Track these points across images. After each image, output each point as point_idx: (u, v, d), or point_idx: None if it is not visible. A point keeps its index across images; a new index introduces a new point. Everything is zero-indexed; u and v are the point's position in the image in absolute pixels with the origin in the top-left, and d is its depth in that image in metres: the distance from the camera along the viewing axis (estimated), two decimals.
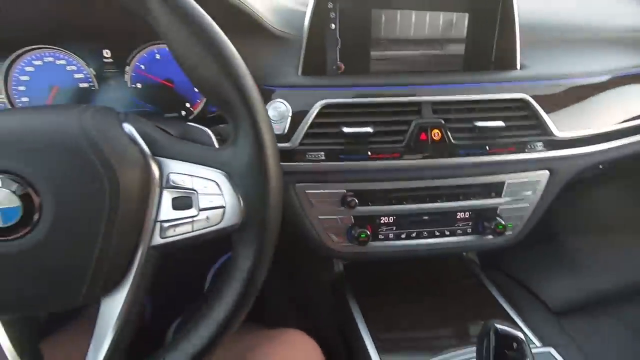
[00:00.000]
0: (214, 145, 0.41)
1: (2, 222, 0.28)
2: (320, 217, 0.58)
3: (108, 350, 0.33)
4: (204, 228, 0.34)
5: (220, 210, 0.34)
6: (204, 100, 0.63)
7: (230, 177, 0.34)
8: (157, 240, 0.34)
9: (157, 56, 0.60)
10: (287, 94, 0.56)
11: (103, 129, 0.32)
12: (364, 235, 0.57)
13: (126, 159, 0.32)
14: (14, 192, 0.28)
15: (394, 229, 0.60)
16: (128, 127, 0.34)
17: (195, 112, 0.63)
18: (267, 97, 0.56)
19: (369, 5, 0.58)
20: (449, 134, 0.56)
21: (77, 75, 0.58)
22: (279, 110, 0.55)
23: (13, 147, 0.29)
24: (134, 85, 0.60)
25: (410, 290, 0.70)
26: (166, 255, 0.36)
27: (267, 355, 0.50)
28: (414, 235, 0.61)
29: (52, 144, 0.30)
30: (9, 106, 0.56)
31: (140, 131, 0.34)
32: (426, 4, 0.59)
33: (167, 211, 0.34)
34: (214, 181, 0.34)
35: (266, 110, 0.34)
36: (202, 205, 0.34)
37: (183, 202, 0.34)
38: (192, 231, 0.34)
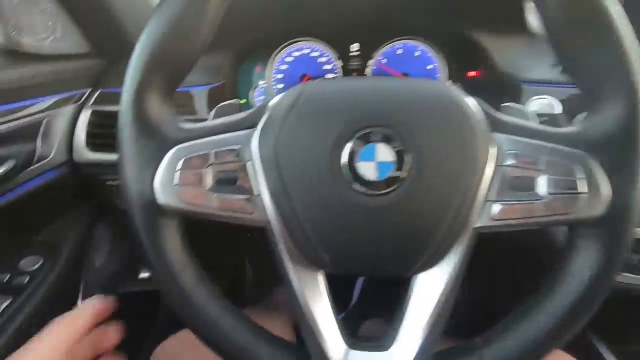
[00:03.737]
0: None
1: (378, 175, 0.28)
2: None
3: (426, 333, 0.30)
4: (550, 215, 0.30)
5: (578, 196, 0.29)
6: None
7: (593, 156, 0.29)
8: (486, 221, 0.30)
9: (399, 51, 0.61)
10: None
11: (461, 95, 0.30)
12: None
13: (480, 130, 0.30)
14: (393, 149, 0.28)
15: None
16: (471, 99, 0.32)
17: None
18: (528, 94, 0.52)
19: None
20: None
21: (325, 67, 0.62)
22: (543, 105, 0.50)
23: (390, 103, 0.29)
24: None
25: None
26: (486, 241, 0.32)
27: None
28: None
29: (426, 103, 0.29)
30: (269, 91, 0.62)
31: (481, 103, 0.32)
32: None
33: (504, 191, 0.30)
34: (570, 161, 0.29)
35: None
36: (552, 189, 0.29)
37: (526, 182, 0.30)
38: (534, 217, 0.30)
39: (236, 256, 0.96)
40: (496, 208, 0.30)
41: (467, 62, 0.60)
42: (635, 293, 0.49)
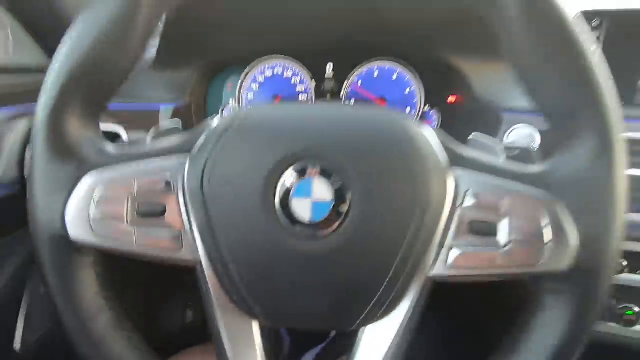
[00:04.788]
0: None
1: (313, 215, 0.25)
2: None
3: None
4: (510, 267, 0.26)
5: (542, 246, 0.25)
6: None
7: (561, 200, 0.25)
8: (441, 270, 0.27)
9: (376, 74, 0.58)
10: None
11: (414, 127, 0.27)
12: (630, 313, 0.42)
13: (434, 166, 0.26)
14: (331, 186, 0.25)
15: None
16: (428, 131, 0.29)
17: None
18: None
19: None
20: None
21: (299, 88, 0.59)
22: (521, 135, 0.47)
23: (330, 134, 0.26)
24: (347, 102, 0.59)
25: None
26: (442, 291, 0.28)
27: None
28: None
29: (371, 135, 0.26)
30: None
31: (440, 135, 0.29)
32: None
33: (461, 236, 0.26)
34: (535, 205, 0.26)
35: (621, 120, 0.25)
36: (514, 236, 0.26)
37: (485, 227, 0.26)
38: (491, 267, 0.26)
39: (172, 297, 0.88)
40: (453, 254, 0.26)
41: (446, 87, 0.58)
42: (619, 344, 0.45)
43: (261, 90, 0.59)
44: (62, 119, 0.27)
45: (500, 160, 0.29)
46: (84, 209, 0.26)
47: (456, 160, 0.27)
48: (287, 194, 0.25)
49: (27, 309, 0.55)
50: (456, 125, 0.57)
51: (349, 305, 0.26)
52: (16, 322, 0.54)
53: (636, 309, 0.42)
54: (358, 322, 0.27)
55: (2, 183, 0.51)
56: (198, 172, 0.26)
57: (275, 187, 0.25)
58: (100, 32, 0.26)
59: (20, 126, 0.53)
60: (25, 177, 0.53)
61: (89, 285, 0.28)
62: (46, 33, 0.52)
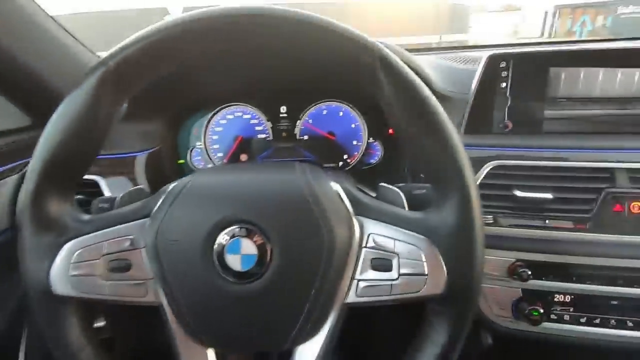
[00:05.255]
0: (405, 207, 0.41)
1: (242, 266, 0.32)
2: (482, 284, 0.53)
3: None
4: (402, 294, 0.34)
5: (422, 277, 0.33)
6: (361, 153, 0.66)
7: (435, 243, 0.33)
8: (352, 298, 0.34)
9: (324, 112, 0.66)
10: None
11: (320, 185, 0.35)
12: (536, 314, 0.50)
13: (338, 215, 0.34)
14: (254, 242, 0.32)
15: (571, 310, 0.52)
16: (335, 185, 0.36)
17: (352, 163, 0.66)
18: None
19: (548, 64, 0.55)
20: None
21: (257, 128, 0.67)
22: None
23: (253, 201, 0.34)
24: (301, 137, 0.66)
25: None
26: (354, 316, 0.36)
27: None
28: (597, 322, 0.51)
29: (284, 199, 0.34)
30: (205, 152, 0.66)
31: (345, 190, 0.36)
32: (625, 61, 0.53)
33: (365, 271, 0.34)
34: (417, 246, 0.33)
35: (476, 182, 0.33)
36: (402, 270, 0.33)
37: (383, 263, 0.34)
38: (389, 295, 0.34)
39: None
40: (361, 285, 0.34)
41: (385, 122, 0.65)
42: (534, 339, 0.53)
43: (224, 132, 0.67)
44: (42, 199, 0.34)
45: (395, 209, 0.37)
46: (64, 269, 0.34)
47: (360, 210, 0.35)
48: (221, 250, 0.32)
49: (26, 349, 0.62)
50: (398, 154, 0.64)
51: (279, 330, 0.34)
52: (17, 352, 0.60)
53: (541, 310, 0.50)
54: (290, 342, 0.34)
55: None
56: (154, 231, 0.33)
57: (213, 246, 0.32)
58: (66, 128, 0.33)
59: (11, 181, 0.60)
60: (17, 225, 0.60)
61: (72, 328, 0.35)
62: (25, 96, 0.58)
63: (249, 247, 0.32)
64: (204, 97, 0.65)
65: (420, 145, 0.34)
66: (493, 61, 0.57)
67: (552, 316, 0.52)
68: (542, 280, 0.51)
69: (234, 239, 0.32)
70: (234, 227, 0.33)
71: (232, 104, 0.66)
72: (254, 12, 0.32)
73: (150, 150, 0.62)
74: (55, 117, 0.34)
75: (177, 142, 0.68)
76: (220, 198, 0.34)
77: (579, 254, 0.50)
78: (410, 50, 0.67)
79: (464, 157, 0.33)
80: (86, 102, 0.33)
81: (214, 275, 0.32)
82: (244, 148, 0.67)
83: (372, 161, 0.67)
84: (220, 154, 0.67)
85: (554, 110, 0.57)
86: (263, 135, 0.67)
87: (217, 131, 0.67)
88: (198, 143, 0.67)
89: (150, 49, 0.33)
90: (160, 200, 0.35)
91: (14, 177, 0.61)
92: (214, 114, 0.66)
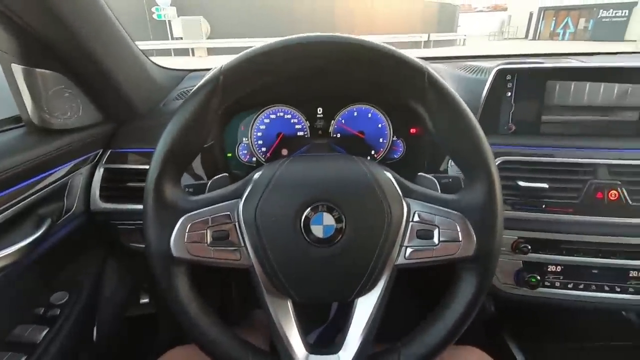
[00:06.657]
0: (438, 192, 0.52)
1: (324, 234, 0.43)
2: None
3: (362, 340, 0.45)
4: (442, 256, 0.45)
5: (457, 243, 0.44)
6: (386, 149, 0.77)
7: (467, 217, 0.44)
8: (402, 260, 0.45)
9: (355, 113, 0.76)
10: None
11: (378, 173, 0.45)
12: (534, 280, 0.62)
13: (393, 196, 0.44)
14: (333, 216, 0.43)
15: (561, 277, 0.64)
16: (388, 173, 0.47)
17: (378, 158, 0.77)
18: None
19: (546, 78, 0.67)
20: (626, 195, 0.60)
21: (297, 126, 0.77)
22: None
23: (331, 185, 0.44)
24: (335, 135, 0.77)
25: (573, 342, 0.71)
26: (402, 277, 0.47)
27: None
28: (581, 287, 0.64)
29: (354, 183, 0.44)
30: (250, 146, 0.76)
31: (395, 177, 0.47)
32: (607, 77, 0.65)
33: (412, 239, 0.45)
34: (453, 220, 0.44)
35: (498, 172, 0.44)
36: (442, 238, 0.44)
37: (426, 234, 0.45)
38: (431, 257, 0.45)
39: (226, 288, 1.10)
40: (408, 251, 0.44)
41: (408, 122, 0.76)
42: (531, 302, 0.66)
43: (268, 130, 0.76)
44: (161, 184, 0.44)
45: (434, 192, 0.47)
46: (180, 238, 0.44)
47: (407, 193, 0.46)
48: (307, 222, 0.43)
49: (99, 309, 0.71)
50: (418, 150, 0.75)
51: (348, 284, 0.44)
52: (93, 320, 0.70)
53: (538, 277, 0.63)
54: (354, 294, 0.45)
55: (75, 217, 0.67)
56: (252, 210, 0.43)
57: (301, 219, 0.43)
58: (183, 126, 0.43)
59: (85, 171, 0.69)
60: (91, 210, 0.69)
61: (184, 284, 0.45)
62: (101, 96, 0.67)
63: (329, 219, 0.43)
64: (257, 100, 0.75)
65: (458, 144, 0.45)
66: (500, 74, 0.68)
67: (546, 283, 0.65)
68: (539, 253, 0.64)
69: (317, 213, 0.43)
70: (317, 204, 0.43)
71: (275, 105, 0.75)
72: (342, 40, 0.42)
73: (206, 145, 0.72)
74: (175, 117, 0.44)
75: (224, 138, 0.77)
76: (306, 183, 0.44)
77: (568, 232, 0.63)
78: (426, 59, 0.77)
79: (490, 154, 0.44)
80: (199, 105, 0.43)
81: (301, 241, 0.43)
82: (284, 144, 0.77)
83: (396, 156, 0.78)
84: (264, 149, 0.77)
85: (550, 115, 0.69)
86: (301, 133, 0.77)
87: (261, 129, 0.76)
88: (244, 139, 0.77)
89: (255, 65, 0.43)
90: (250, 186, 0.45)
91: (87, 167, 0.69)
92: (260, 113, 0.76)
